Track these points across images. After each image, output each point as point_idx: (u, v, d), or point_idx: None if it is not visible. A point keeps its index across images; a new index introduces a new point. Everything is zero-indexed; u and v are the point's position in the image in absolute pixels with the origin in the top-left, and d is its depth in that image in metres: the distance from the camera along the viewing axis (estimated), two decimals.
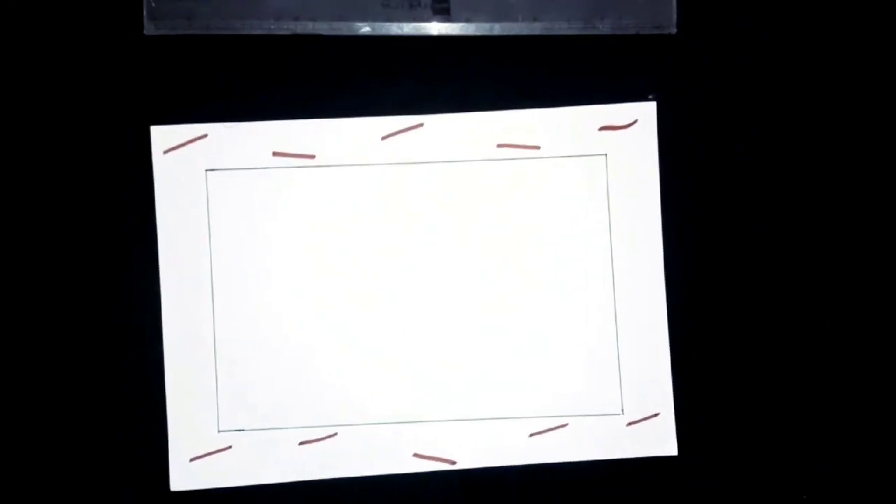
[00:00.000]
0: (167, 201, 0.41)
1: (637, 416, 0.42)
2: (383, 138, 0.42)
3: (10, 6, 0.41)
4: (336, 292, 0.41)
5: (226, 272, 0.41)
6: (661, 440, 0.42)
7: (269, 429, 0.41)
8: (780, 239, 0.42)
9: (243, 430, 0.41)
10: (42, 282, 0.41)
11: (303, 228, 0.41)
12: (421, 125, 0.42)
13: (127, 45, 0.41)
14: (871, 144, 0.42)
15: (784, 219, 0.42)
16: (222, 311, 0.41)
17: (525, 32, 0.41)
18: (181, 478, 0.41)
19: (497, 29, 0.41)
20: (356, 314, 0.41)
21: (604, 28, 0.41)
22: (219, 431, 0.41)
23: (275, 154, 0.41)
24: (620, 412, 0.42)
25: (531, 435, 0.41)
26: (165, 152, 0.41)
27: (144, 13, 0.41)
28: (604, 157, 0.42)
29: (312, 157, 0.41)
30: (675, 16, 0.41)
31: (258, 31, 0.41)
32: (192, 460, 0.41)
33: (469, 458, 0.41)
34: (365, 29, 0.41)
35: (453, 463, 0.41)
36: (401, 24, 0.41)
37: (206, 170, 0.41)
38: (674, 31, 0.42)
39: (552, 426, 0.41)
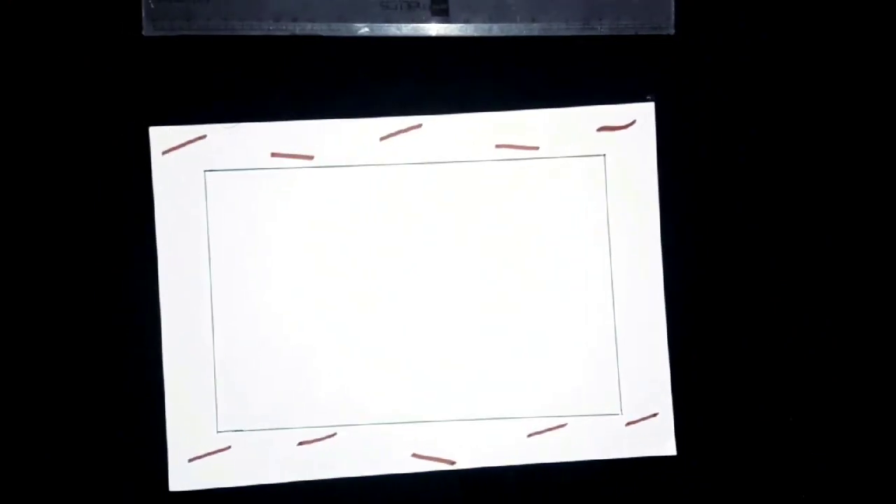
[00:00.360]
0: (166, 202, 0.41)
1: (636, 416, 0.42)
2: (382, 139, 0.42)
3: (10, 6, 0.41)
4: (335, 293, 0.41)
5: (224, 273, 0.41)
6: (659, 440, 0.42)
7: (268, 429, 0.41)
8: (780, 239, 0.42)
9: (242, 431, 0.41)
10: (41, 282, 0.41)
11: (302, 229, 0.41)
12: (419, 126, 0.42)
13: (126, 46, 0.41)
14: (871, 144, 0.42)
15: (783, 219, 0.42)
16: (221, 312, 0.41)
17: (524, 33, 0.42)
18: (180, 478, 0.41)
19: (496, 30, 0.41)
20: (355, 314, 0.41)
21: (602, 29, 0.42)
22: (218, 432, 0.41)
23: (273, 155, 0.41)
24: (619, 412, 0.42)
25: (530, 435, 0.41)
26: (164, 153, 0.41)
27: (143, 14, 0.41)
28: (602, 157, 0.42)
29: (311, 157, 0.41)
30: (673, 16, 0.42)
31: (257, 32, 0.41)
32: (190, 460, 0.41)
33: (468, 458, 0.41)
34: (364, 30, 0.41)
35: (452, 463, 0.41)
36: (399, 25, 0.41)
37: (205, 170, 0.41)
38: (672, 31, 0.42)
39: (551, 426, 0.41)
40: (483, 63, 0.42)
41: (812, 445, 0.42)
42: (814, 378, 0.42)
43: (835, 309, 0.42)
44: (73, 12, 0.41)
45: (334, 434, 0.41)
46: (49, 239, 0.41)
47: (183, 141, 0.41)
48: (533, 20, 0.41)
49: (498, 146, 0.42)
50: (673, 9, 0.42)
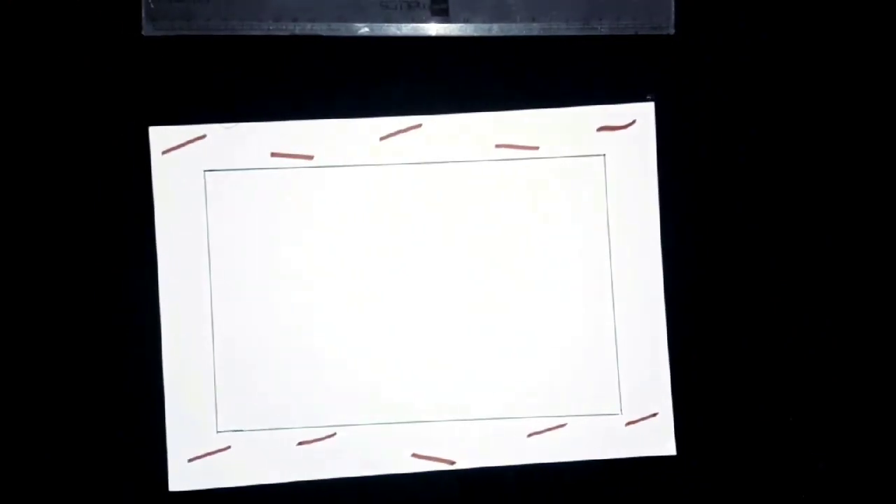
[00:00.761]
0: (166, 202, 0.41)
1: (635, 416, 0.42)
2: (382, 139, 0.42)
3: (10, 6, 0.41)
4: (335, 293, 0.41)
5: (224, 272, 0.41)
6: (659, 440, 0.42)
7: (267, 429, 0.41)
8: (780, 239, 0.42)
9: (242, 431, 0.41)
10: (41, 282, 0.41)
11: (301, 229, 0.41)
12: (419, 126, 0.42)
13: (125, 46, 0.41)
14: (872, 144, 0.42)
15: (783, 219, 0.42)
16: (221, 312, 0.41)
17: (523, 33, 0.42)
18: (180, 478, 0.41)
19: (495, 30, 0.41)
20: (355, 314, 0.41)
21: (602, 29, 0.41)
22: (217, 432, 0.41)
23: (273, 154, 0.41)
24: (619, 412, 0.42)
25: (530, 435, 0.41)
26: (164, 153, 0.41)
27: (143, 14, 0.41)
28: (602, 157, 0.42)
29: (311, 157, 0.41)
30: (673, 16, 0.41)
31: (257, 32, 0.41)
32: (190, 460, 0.41)
33: (468, 458, 0.41)
34: (364, 30, 0.41)
35: (452, 463, 0.41)
36: (399, 25, 0.41)
37: (205, 170, 0.41)
38: (672, 31, 0.42)
39: (551, 426, 0.41)
40: (483, 63, 0.42)
41: (812, 445, 0.42)
42: (814, 378, 0.42)
43: (835, 309, 0.42)
44: (73, 12, 0.41)
45: (334, 434, 0.41)
46: (49, 239, 0.41)
47: (183, 141, 0.41)
48: (533, 20, 0.41)
49: (498, 146, 0.42)
50: (673, 9, 0.42)
